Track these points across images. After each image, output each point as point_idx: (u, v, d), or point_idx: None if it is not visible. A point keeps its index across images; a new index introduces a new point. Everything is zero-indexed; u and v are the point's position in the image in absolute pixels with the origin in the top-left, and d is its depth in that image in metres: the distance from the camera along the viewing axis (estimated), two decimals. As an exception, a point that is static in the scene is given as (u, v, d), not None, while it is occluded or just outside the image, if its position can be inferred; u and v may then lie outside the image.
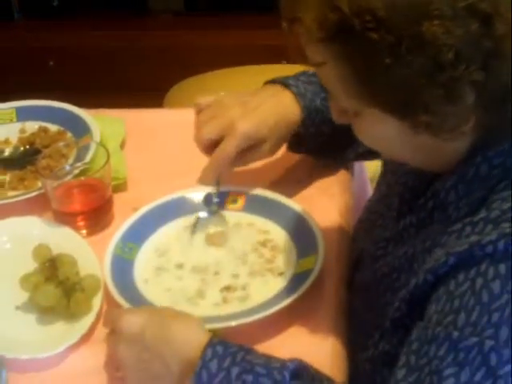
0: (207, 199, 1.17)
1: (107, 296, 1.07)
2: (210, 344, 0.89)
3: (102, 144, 1.24)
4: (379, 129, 0.88)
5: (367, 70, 0.81)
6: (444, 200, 0.90)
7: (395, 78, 0.80)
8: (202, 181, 1.15)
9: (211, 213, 1.16)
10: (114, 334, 0.94)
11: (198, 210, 1.17)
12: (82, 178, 1.20)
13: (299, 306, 1.03)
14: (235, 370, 0.86)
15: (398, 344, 0.89)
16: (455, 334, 0.79)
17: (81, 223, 1.19)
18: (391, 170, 1.09)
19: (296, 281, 1.06)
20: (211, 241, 1.14)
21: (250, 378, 0.86)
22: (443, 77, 0.79)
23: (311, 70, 1.17)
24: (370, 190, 1.42)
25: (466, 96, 0.80)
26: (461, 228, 0.85)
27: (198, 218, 1.15)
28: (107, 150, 1.19)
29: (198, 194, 1.19)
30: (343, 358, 1.02)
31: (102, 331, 1.02)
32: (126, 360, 0.92)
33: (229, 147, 1.11)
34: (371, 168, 1.47)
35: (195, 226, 1.15)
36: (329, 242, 1.10)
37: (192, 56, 2.55)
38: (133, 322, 0.93)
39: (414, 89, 0.80)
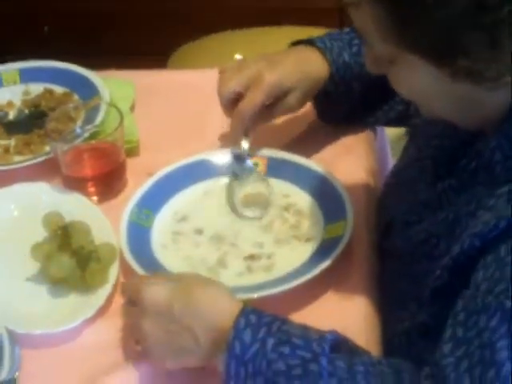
0: (238, 157, 1.10)
1: (123, 266, 1.00)
2: (243, 313, 0.83)
3: (113, 104, 1.17)
4: (416, 77, 0.82)
5: (406, 9, 0.76)
6: (489, 160, 0.84)
7: (435, 19, 0.75)
8: (230, 136, 1.09)
9: (245, 171, 1.09)
10: (136, 306, 0.88)
11: (218, 174, 1.10)
12: (93, 141, 1.13)
13: (328, 275, 0.97)
14: (271, 341, 0.80)
15: (439, 314, 0.83)
16: (508, 303, 0.73)
17: (92, 189, 1.12)
18: (422, 132, 1.02)
19: (324, 248, 1.00)
20: (250, 202, 1.07)
21: (286, 349, 0.80)
22: (486, 19, 0.73)
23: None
24: (389, 152, 1.35)
25: (509, 41, 0.74)
26: (510, 190, 0.79)
27: (234, 178, 1.09)
28: (120, 111, 1.12)
29: (217, 157, 1.12)
30: (377, 330, 0.96)
31: (119, 303, 0.96)
32: (150, 333, 0.85)
33: (256, 97, 1.06)
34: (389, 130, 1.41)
35: (231, 187, 1.09)
36: (356, 206, 1.04)
37: (194, 19, 2.47)
38: (158, 293, 0.86)
39: (455, 31, 0.75)
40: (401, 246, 0.97)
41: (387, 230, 1.03)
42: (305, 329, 0.83)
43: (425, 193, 0.95)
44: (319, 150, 1.15)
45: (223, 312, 0.84)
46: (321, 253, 0.99)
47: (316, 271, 0.95)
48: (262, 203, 1.07)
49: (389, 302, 0.98)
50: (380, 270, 1.02)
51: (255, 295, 0.93)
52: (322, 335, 0.81)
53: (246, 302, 0.85)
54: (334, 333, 0.83)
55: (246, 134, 1.09)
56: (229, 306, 0.84)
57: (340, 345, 0.82)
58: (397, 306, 0.94)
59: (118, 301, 0.96)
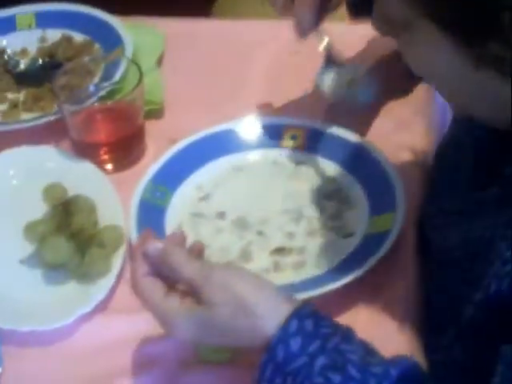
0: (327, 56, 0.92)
1: (130, 253, 0.86)
2: (298, 315, 0.67)
3: (134, 60, 1.02)
4: (432, 52, 0.66)
5: None
6: None
7: None
8: (298, 28, 0.88)
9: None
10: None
11: (250, 148, 0.95)
12: (109, 101, 0.98)
13: (369, 278, 0.81)
14: (321, 360, 0.65)
15: (476, 354, 0.69)
16: None
17: (105, 156, 0.98)
18: None
19: (368, 244, 0.84)
20: None
21: (337, 378, 0.64)
22: None
23: None
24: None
25: None
26: None
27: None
28: (140, 68, 0.97)
29: (251, 127, 0.97)
30: (421, 350, 0.80)
31: (123, 297, 0.83)
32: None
33: None
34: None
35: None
36: (409, 196, 0.87)
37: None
38: (186, 329, 0.70)
39: (497, 7, 0.59)
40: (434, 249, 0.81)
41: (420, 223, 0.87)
42: (368, 354, 0.67)
43: (460, 196, 0.79)
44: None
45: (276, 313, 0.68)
46: (363, 250, 0.83)
47: (356, 273, 0.80)
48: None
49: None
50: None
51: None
52: (385, 369, 0.65)
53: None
54: (403, 362, 0.66)
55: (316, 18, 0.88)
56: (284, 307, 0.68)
57: (409, 378, 0.65)
58: (433, 327, 0.78)
59: (123, 294, 0.83)
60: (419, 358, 0.77)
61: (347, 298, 0.81)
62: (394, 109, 0.99)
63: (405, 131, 0.97)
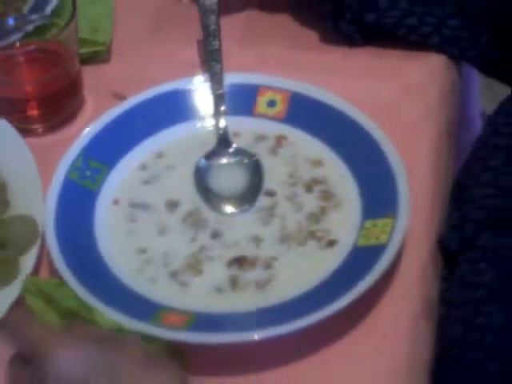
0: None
1: (47, 253, 0.66)
2: None
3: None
4: None
5: None
6: None
7: None
8: None
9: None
10: (34, 373, 0.54)
11: (212, 113, 0.74)
12: (36, 40, 0.76)
13: (359, 306, 0.62)
14: None
15: None
16: None
17: (31, 113, 0.77)
18: None
19: (358, 259, 0.63)
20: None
21: None
22: None
23: None
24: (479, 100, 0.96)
25: None
26: None
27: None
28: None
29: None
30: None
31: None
32: None
33: None
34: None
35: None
36: (417, 194, 0.67)
37: None
38: (73, 366, 0.53)
39: None
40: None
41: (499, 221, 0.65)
42: None
43: None
44: (368, 89, 0.76)
45: None
46: (350, 268, 0.63)
47: (339, 304, 0.60)
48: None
49: (470, 334, 0.62)
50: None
51: (255, 336, 0.59)
52: None
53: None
54: None
55: None
56: None
57: None
58: (482, 347, 0.59)
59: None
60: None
61: (329, 329, 0.61)
62: (402, 69, 0.77)
63: (414, 101, 0.76)
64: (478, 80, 1.05)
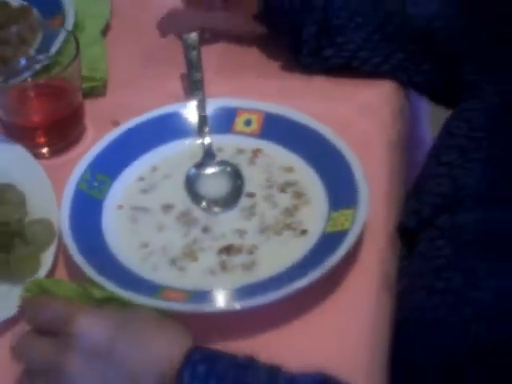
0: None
1: (64, 250, 0.78)
2: (189, 363, 0.61)
3: (74, 31, 0.93)
4: None
5: None
6: None
7: None
8: None
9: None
10: (57, 338, 0.65)
11: (199, 132, 0.86)
12: (44, 77, 0.89)
13: (328, 283, 0.74)
14: None
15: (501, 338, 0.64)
16: None
17: (40, 139, 0.89)
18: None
19: (326, 244, 0.76)
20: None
21: None
22: None
23: None
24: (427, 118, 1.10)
25: None
26: None
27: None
28: (77, 41, 0.87)
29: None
30: (385, 355, 0.73)
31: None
32: (76, 379, 0.63)
33: None
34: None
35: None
36: (375, 188, 0.80)
37: None
38: (98, 328, 0.64)
39: None
40: (466, 229, 0.74)
41: (450, 202, 0.78)
42: (274, 376, 0.62)
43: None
44: (329, 109, 0.89)
45: (172, 361, 0.62)
46: (319, 251, 0.76)
47: (310, 277, 0.72)
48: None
49: (429, 300, 0.73)
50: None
51: (238, 305, 0.71)
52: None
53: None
54: (316, 377, 0.62)
55: None
56: (178, 351, 0.62)
57: None
58: (442, 306, 0.71)
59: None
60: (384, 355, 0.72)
61: (302, 303, 0.73)
62: (358, 92, 0.91)
63: (368, 117, 0.89)
64: (426, 106, 1.19)
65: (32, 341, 0.66)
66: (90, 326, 0.64)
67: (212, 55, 0.95)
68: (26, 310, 0.69)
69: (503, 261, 0.68)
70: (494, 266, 0.69)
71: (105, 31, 1.01)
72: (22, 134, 0.88)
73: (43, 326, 0.67)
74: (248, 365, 0.62)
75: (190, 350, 0.62)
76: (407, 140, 0.94)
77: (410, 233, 0.80)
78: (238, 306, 0.71)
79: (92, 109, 0.92)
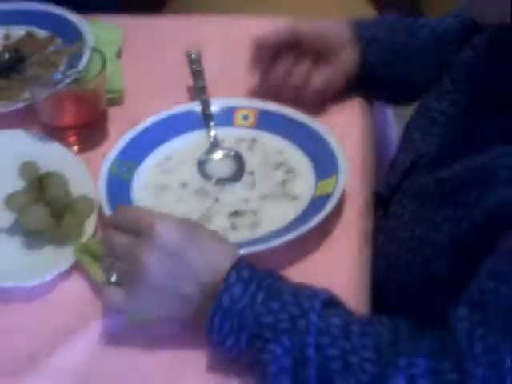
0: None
1: (101, 219, 0.95)
2: (236, 267, 0.79)
3: (97, 49, 1.11)
4: None
5: None
6: None
7: None
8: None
9: None
10: (138, 237, 0.80)
11: (206, 125, 1.05)
12: (74, 87, 1.07)
13: (317, 235, 0.93)
14: (261, 296, 0.77)
15: (456, 269, 0.81)
16: None
17: (72, 138, 1.07)
18: (462, 64, 0.98)
19: (314, 206, 0.94)
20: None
21: (276, 304, 0.76)
22: None
23: None
24: (392, 118, 1.30)
25: None
26: None
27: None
28: (103, 56, 1.06)
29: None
30: (366, 291, 0.91)
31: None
32: (151, 270, 0.78)
33: None
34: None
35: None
36: (352, 163, 0.99)
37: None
38: (173, 230, 0.80)
39: None
40: (424, 187, 0.92)
41: (411, 169, 0.97)
42: (298, 286, 0.79)
43: (459, 131, 0.90)
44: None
45: (226, 263, 0.79)
46: (309, 212, 0.94)
47: (301, 230, 0.90)
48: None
49: (400, 248, 0.93)
50: (391, 215, 0.97)
51: (241, 251, 0.89)
52: (314, 293, 0.78)
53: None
54: (328, 291, 0.79)
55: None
56: (231, 258, 0.80)
57: (334, 303, 0.78)
58: (410, 251, 0.90)
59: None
60: (367, 296, 0.90)
61: (297, 251, 0.92)
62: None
63: (344, 114, 1.09)
64: (391, 114, 1.38)
65: (115, 235, 0.81)
66: (168, 228, 0.80)
67: (211, 67, 1.14)
68: (116, 213, 0.86)
69: (454, 210, 0.87)
70: (447, 214, 0.87)
71: (119, 54, 1.20)
72: (57, 134, 1.06)
73: (130, 226, 0.81)
74: (281, 277, 0.80)
75: (238, 259, 0.80)
76: (375, 134, 1.14)
77: (385, 199, 1.00)
78: (242, 251, 0.88)
79: (112, 115, 1.10)
